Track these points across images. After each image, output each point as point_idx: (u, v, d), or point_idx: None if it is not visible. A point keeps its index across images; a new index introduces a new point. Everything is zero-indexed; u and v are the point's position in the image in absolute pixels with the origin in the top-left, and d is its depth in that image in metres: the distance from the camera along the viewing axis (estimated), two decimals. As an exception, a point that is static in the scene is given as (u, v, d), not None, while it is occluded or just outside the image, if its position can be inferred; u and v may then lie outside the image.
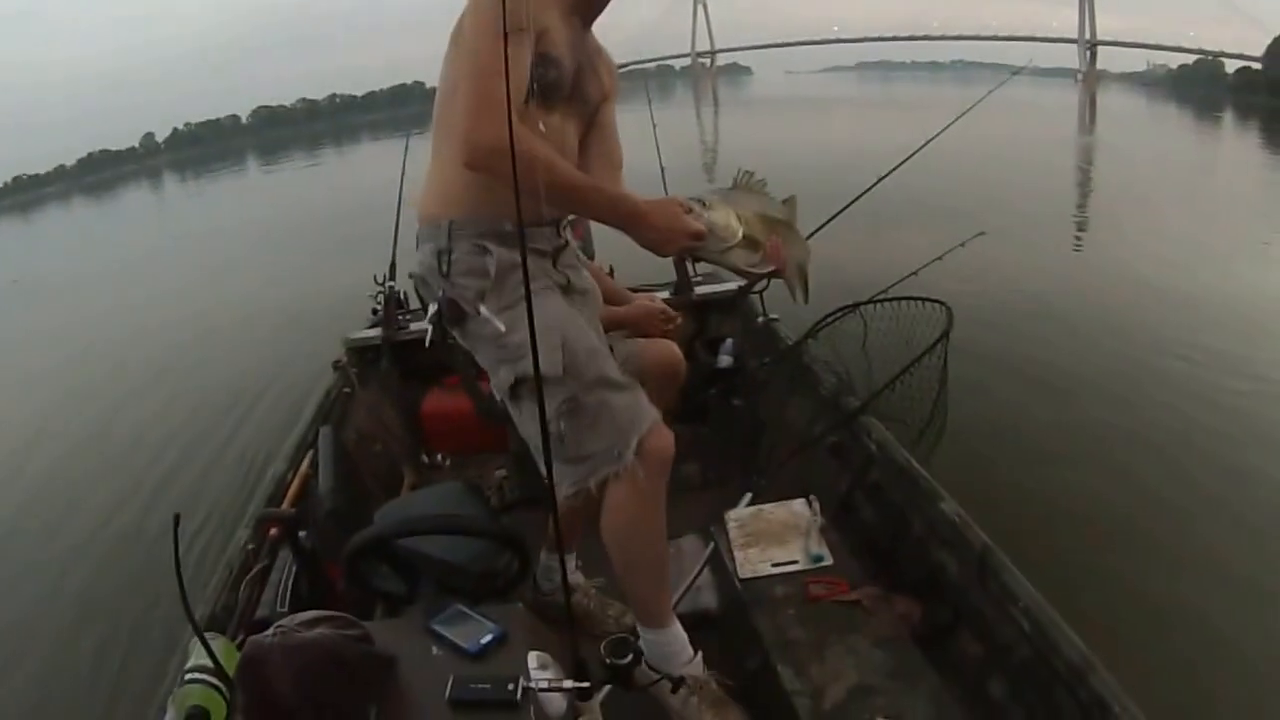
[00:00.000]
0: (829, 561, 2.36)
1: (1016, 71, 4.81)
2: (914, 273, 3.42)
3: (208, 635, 1.59)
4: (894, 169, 3.57)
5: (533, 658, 1.49)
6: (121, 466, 5.47)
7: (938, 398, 3.10)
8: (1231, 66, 73.89)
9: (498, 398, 1.97)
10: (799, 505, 2.58)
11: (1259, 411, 4.84)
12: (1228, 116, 39.90)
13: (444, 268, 1.91)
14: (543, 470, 1.53)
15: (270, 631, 1.40)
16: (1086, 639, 1.84)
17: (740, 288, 3.76)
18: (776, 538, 2.45)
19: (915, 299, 3.28)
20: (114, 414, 6.60)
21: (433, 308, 1.94)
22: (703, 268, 3.93)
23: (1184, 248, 9.18)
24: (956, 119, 3.63)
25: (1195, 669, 2.92)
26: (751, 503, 2.64)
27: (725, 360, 3.58)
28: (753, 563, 2.36)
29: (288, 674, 1.34)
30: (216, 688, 1.54)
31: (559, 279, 2.05)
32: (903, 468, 2.60)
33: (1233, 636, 3.05)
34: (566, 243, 2.12)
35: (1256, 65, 64.64)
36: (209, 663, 1.55)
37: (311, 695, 1.34)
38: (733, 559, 2.39)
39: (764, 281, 3.37)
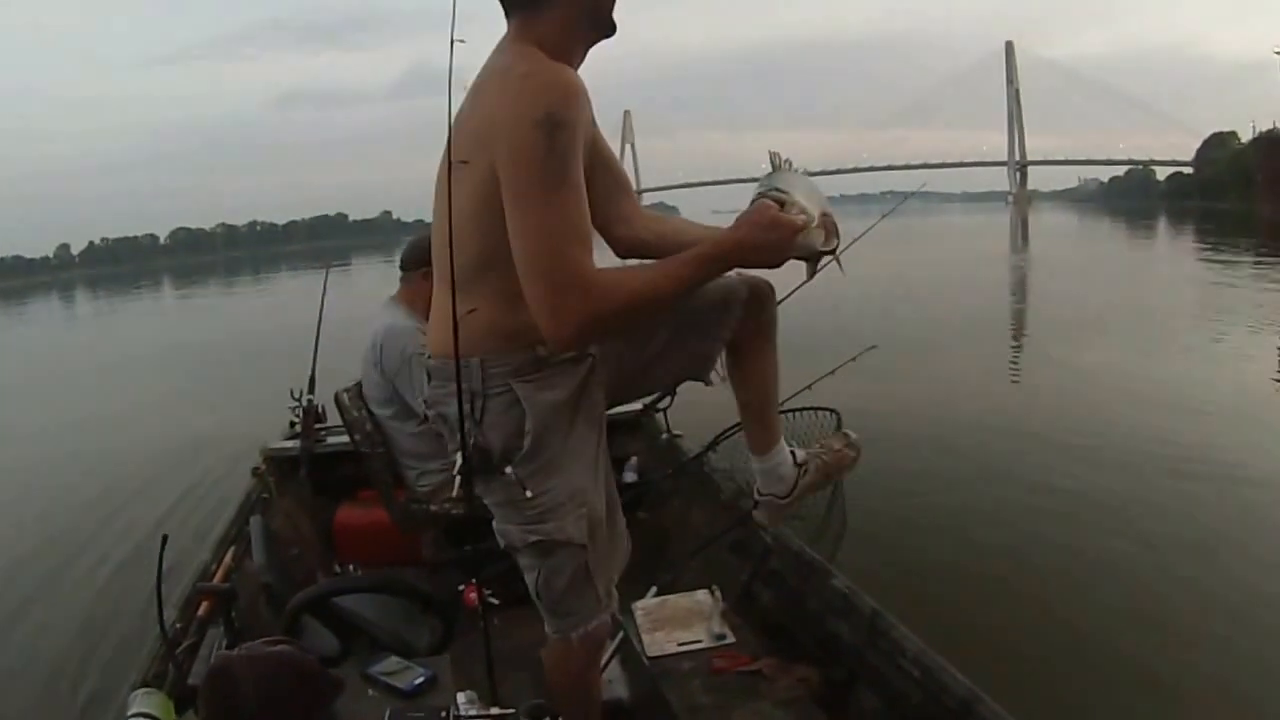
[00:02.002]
0: (731, 640, 2.80)
1: (906, 198, 5.61)
2: (808, 386, 4.00)
3: (148, 690, 1.99)
4: (785, 297, 4.20)
5: (461, 695, 1.92)
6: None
7: (833, 497, 3.65)
8: (1163, 174, 78.82)
9: (500, 544, 2.03)
10: (702, 595, 3.04)
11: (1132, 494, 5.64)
12: (1161, 224, 42.81)
13: (477, 413, 1.88)
14: None
15: (234, 650, 1.82)
16: (972, 676, 2.22)
17: (644, 405, 4.27)
18: (682, 622, 2.91)
19: (806, 409, 3.88)
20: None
21: (458, 458, 1.89)
22: None
23: (1087, 352, 10.71)
24: (846, 247, 4.28)
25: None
26: (656, 595, 3.10)
27: (630, 476, 4.07)
28: (659, 644, 2.81)
29: (251, 679, 1.72)
30: None
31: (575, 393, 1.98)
32: (797, 554, 3.06)
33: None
34: None
35: (1188, 170, 68.74)
36: (150, 710, 1.92)
37: (273, 700, 1.72)
38: (641, 641, 2.83)
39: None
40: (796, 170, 1.92)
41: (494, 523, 2.02)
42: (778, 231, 1.77)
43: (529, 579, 2.01)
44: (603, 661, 2.69)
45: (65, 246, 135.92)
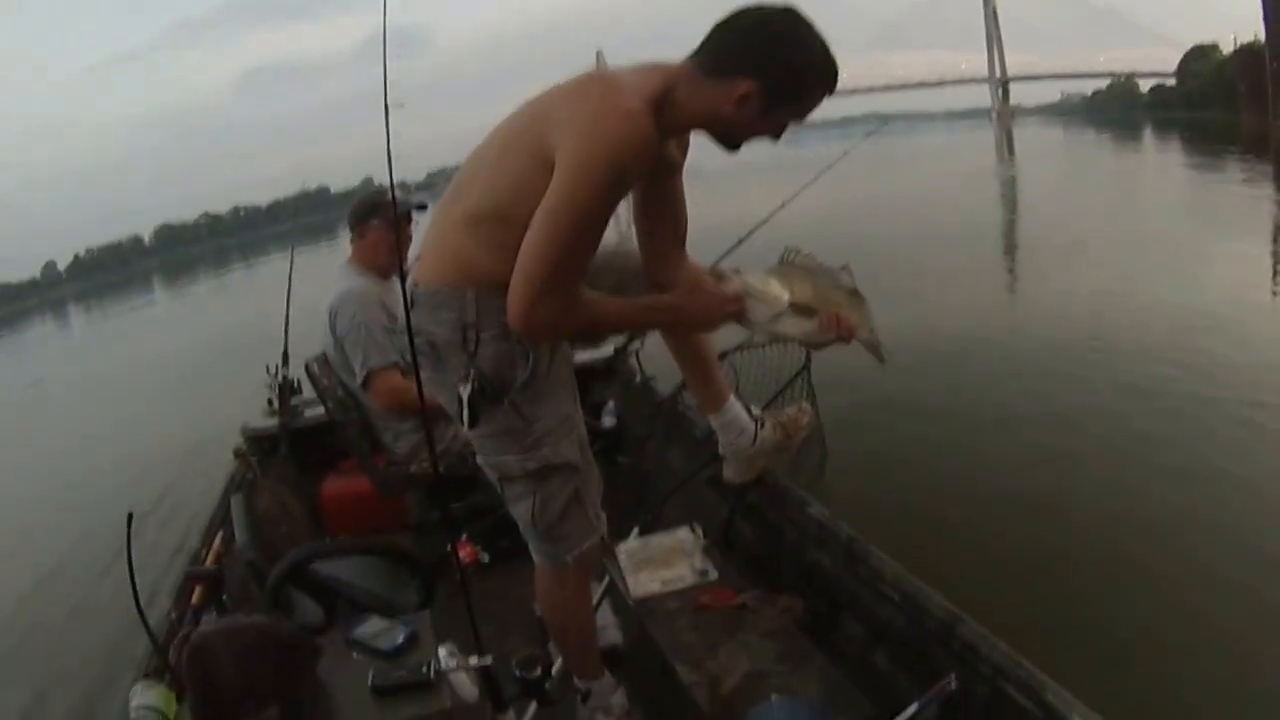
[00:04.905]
0: (714, 576, 2.85)
1: (870, 133, 5.65)
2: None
3: (148, 682, 2.04)
4: (753, 230, 4.19)
5: (442, 649, 1.98)
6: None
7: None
8: (1145, 86, 78.34)
9: (493, 478, 2.14)
10: (683, 532, 3.09)
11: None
12: (1146, 134, 42.85)
13: (471, 346, 1.98)
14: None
15: (211, 626, 1.87)
16: (952, 598, 2.25)
17: (616, 350, 4.31)
18: (664, 561, 2.97)
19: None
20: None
21: (464, 389, 1.97)
22: None
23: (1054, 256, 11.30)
24: (815, 178, 4.28)
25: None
26: (639, 536, 3.14)
27: (609, 421, 4.08)
28: (644, 584, 2.86)
29: (230, 652, 1.78)
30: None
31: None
32: (773, 485, 3.09)
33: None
34: None
35: (1170, 81, 68.54)
36: (151, 702, 1.97)
37: (251, 671, 1.78)
38: (625, 583, 2.88)
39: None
40: (812, 261, 2.16)
41: (482, 458, 2.14)
42: (705, 302, 2.09)
43: (522, 509, 2.12)
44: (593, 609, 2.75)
45: (51, 264, 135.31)
